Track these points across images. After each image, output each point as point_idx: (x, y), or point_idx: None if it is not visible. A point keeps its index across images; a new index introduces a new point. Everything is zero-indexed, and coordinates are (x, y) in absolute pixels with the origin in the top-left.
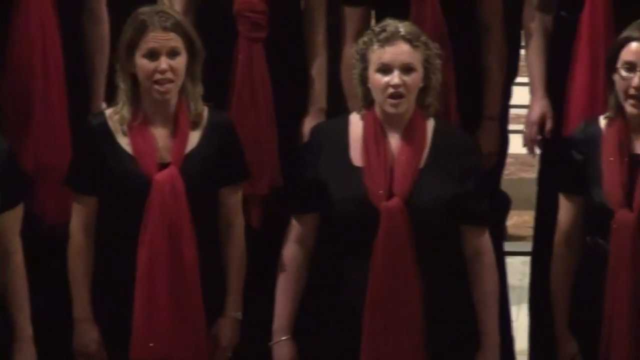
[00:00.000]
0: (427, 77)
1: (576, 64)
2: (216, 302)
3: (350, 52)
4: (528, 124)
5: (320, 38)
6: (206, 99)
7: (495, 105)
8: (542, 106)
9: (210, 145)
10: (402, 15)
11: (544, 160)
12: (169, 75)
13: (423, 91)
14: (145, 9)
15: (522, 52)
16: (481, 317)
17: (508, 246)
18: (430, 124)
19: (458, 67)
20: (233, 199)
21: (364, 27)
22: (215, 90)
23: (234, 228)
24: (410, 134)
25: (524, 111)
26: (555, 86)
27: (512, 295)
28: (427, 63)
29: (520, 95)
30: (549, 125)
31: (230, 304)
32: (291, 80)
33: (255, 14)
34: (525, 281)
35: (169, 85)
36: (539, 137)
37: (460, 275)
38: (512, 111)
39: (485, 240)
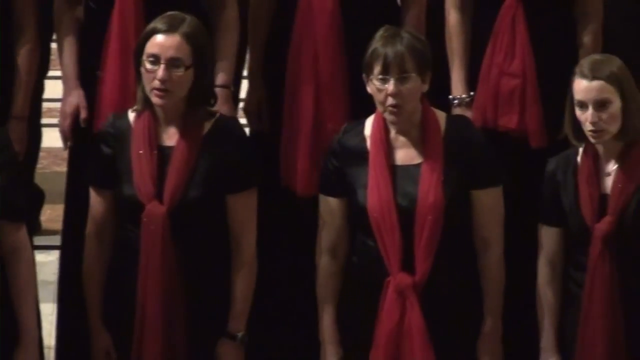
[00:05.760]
0: None
1: (107, 57)
2: None
3: None
4: (63, 115)
5: None
6: None
7: (20, 106)
8: (75, 97)
9: None
10: None
11: (74, 153)
12: None
13: None
14: None
15: (54, 45)
16: (20, 312)
17: (43, 240)
18: None
19: None
20: None
21: None
22: None
23: None
24: None
25: (56, 105)
26: (87, 78)
27: (49, 291)
28: None
29: (52, 88)
30: (83, 114)
31: None
32: None
33: None
34: None
35: None
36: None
37: None
38: (45, 105)
39: (22, 236)
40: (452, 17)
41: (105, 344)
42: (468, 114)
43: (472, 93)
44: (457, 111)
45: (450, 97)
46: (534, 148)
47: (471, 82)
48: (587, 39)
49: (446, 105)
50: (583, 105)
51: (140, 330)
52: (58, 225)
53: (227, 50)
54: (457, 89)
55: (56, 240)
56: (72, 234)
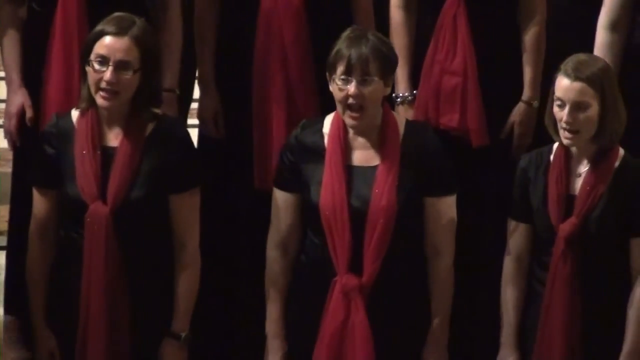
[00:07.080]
0: None
1: (51, 57)
2: None
3: None
4: (8, 116)
5: None
6: None
7: None
8: (20, 96)
9: None
10: None
11: (19, 154)
12: None
13: None
14: None
15: None
16: None
17: None
18: None
19: None
20: None
21: None
22: None
23: None
24: None
25: (0, 106)
26: (30, 80)
27: None
28: None
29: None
30: (29, 113)
31: None
32: None
33: None
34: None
35: None
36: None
37: None
38: None
39: None
40: (397, 15)
41: (49, 344)
42: (410, 112)
43: (415, 92)
44: (400, 109)
45: (394, 95)
46: (475, 147)
47: (415, 81)
48: (530, 37)
49: (390, 103)
50: (562, 104)
51: (83, 330)
52: (1, 225)
53: (170, 53)
54: (401, 87)
55: (0, 240)
56: (18, 235)
